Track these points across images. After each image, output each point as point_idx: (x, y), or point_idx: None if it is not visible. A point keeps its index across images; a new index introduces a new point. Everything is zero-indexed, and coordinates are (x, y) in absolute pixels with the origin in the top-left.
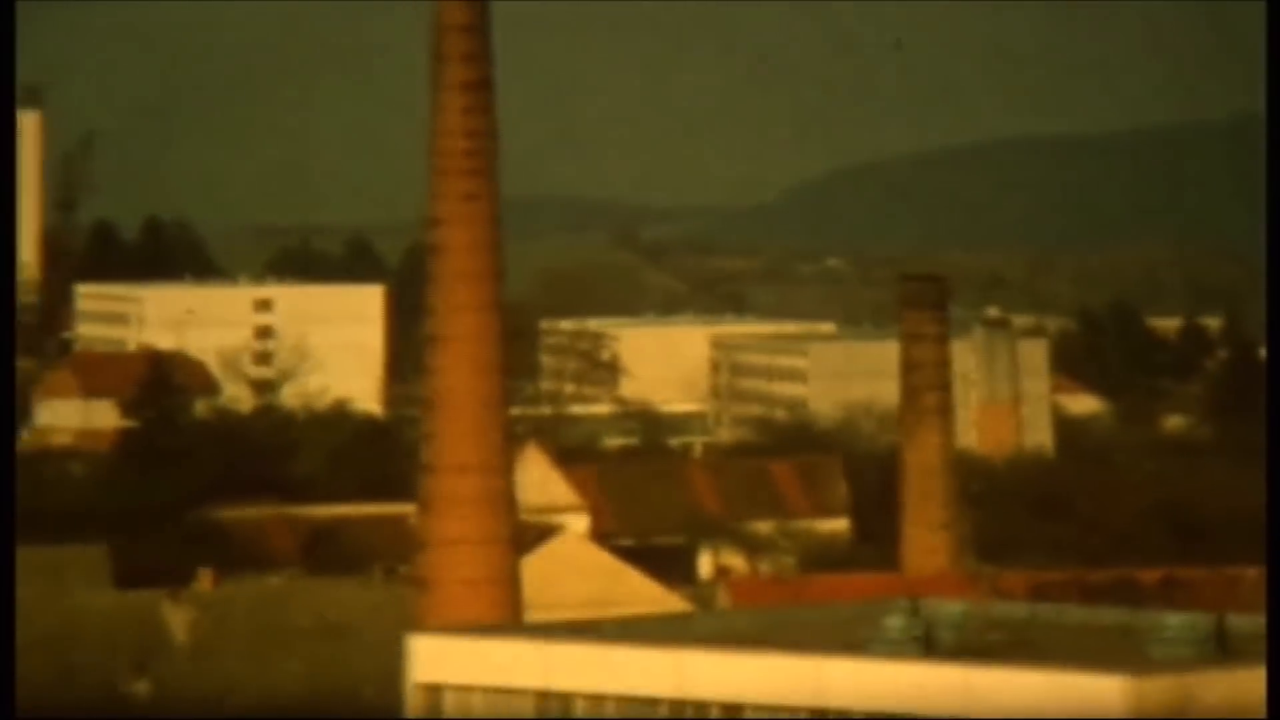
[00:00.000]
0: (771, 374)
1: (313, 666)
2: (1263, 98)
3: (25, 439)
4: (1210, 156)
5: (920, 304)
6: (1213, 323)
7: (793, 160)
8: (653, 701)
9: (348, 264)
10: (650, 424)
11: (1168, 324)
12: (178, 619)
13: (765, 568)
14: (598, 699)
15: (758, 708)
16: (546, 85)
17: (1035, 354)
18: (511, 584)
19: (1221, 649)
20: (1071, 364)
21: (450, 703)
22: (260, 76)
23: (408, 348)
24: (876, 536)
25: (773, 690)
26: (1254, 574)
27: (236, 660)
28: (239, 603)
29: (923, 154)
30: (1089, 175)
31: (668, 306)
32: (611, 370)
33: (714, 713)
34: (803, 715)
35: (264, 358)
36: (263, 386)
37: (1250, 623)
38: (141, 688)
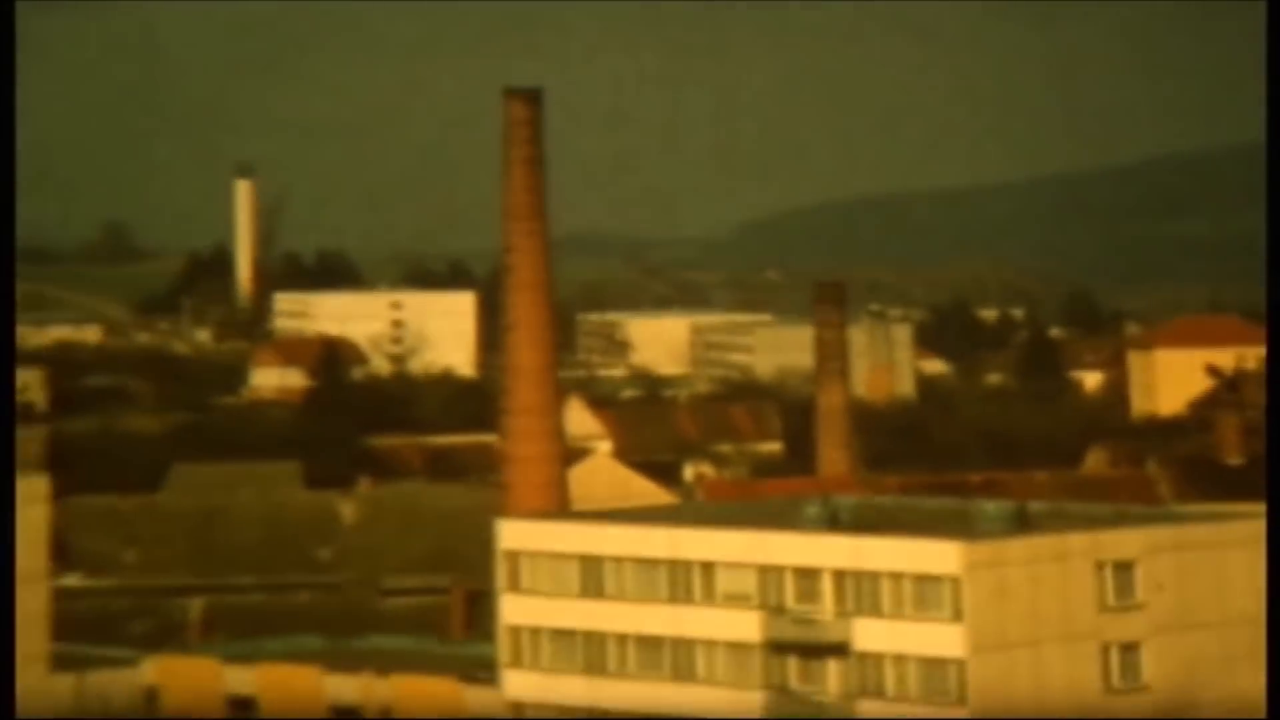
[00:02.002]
0: (731, 348)
1: (437, 542)
2: (1261, 113)
3: (243, 394)
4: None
5: (828, 302)
6: (1017, 313)
7: (746, 201)
8: (655, 562)
9: (452, 278)
10: (650, 382)
11: (988, 314)
12: (346, 510)
13: (727, 475)
14: (619, 560)
15: (725, 564)
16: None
17: (902, 334)
18: (562, 487)
19: (1022, 525)
20: (926, 341)
21: (524, 564)
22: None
23: (491, 333)
24: (800, 454)
25: (734, 553)
26: (1043, 476)
27: (384, 537)
28: (386, 500)
29: (837, 201)
30: (949, 221)
31: (661, 305)
32: (624, 347)
33: (695, 570)
34: (753, 570)
35: (397, 340)
36: (397, 359)
37: (1040, 507)
38: (324, 553)
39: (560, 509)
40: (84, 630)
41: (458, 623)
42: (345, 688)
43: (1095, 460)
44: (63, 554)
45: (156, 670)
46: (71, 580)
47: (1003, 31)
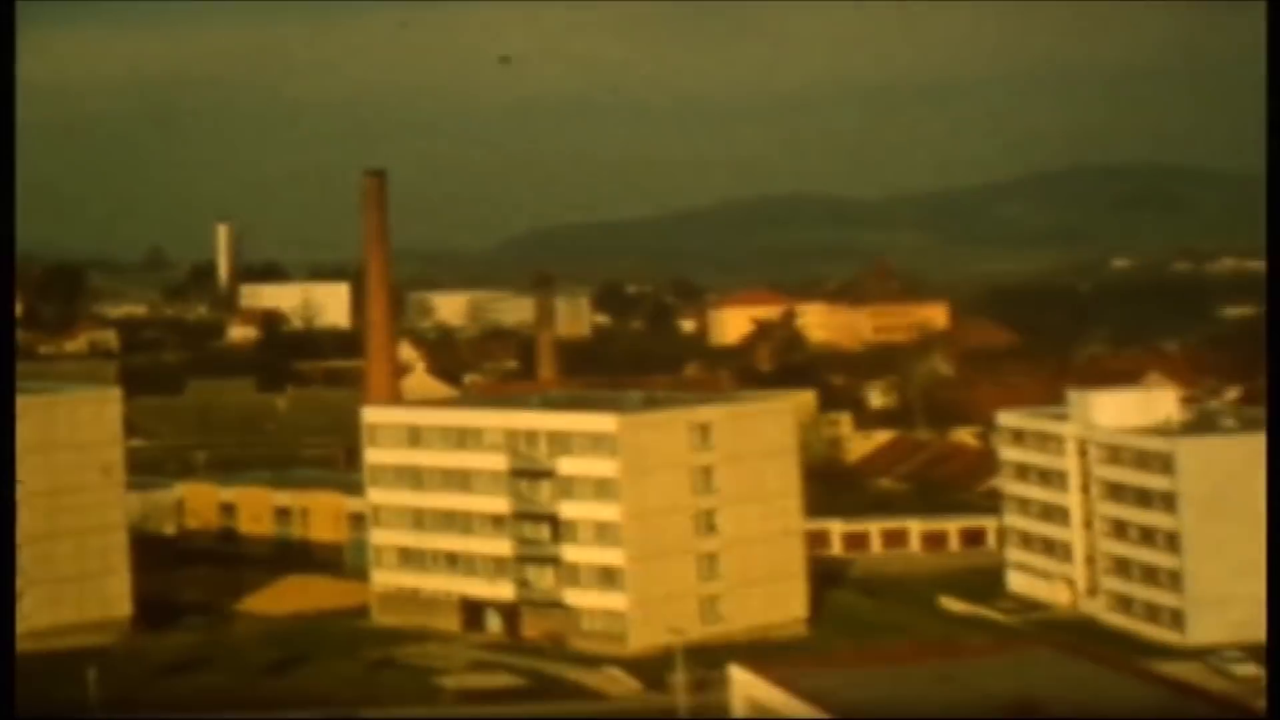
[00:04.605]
0: (490, 311)
1: (331, 420)
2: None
3: (224, 342)
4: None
5: (543, 284)
6: (648, 289)
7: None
8: (448, 428)
9: (335, 273)
10: (445, 330)
11: (634, 289)
12: (281, 404)
13: (487, 380)
14: (429, 427)
15: (487, 428)
16: None
17: (584, 301)
18: (397, 389)
19: (650, 404)
20: (599, 304)
21: (377, 431)
22: None
23: (357, 304)
24: (528, 369)
25: (492, 422)
26: (662, 379)
27: (302, 418)
28: (303, 398)
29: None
30: (611, 241)
31: (452, 288)
32: (431, 311)
33: (471, 432)
34: (502, 431)
35: (306, 310)
36: (306, 320)
37: (660, 395)
38: (269, 427)
39: (396, 401)
40: (142, 468)
41: (342, 463)
42: (282, 498)
43: (691, 370)
44: (129, 428)
45: (182, 491)
46: (135, 442)
47: None
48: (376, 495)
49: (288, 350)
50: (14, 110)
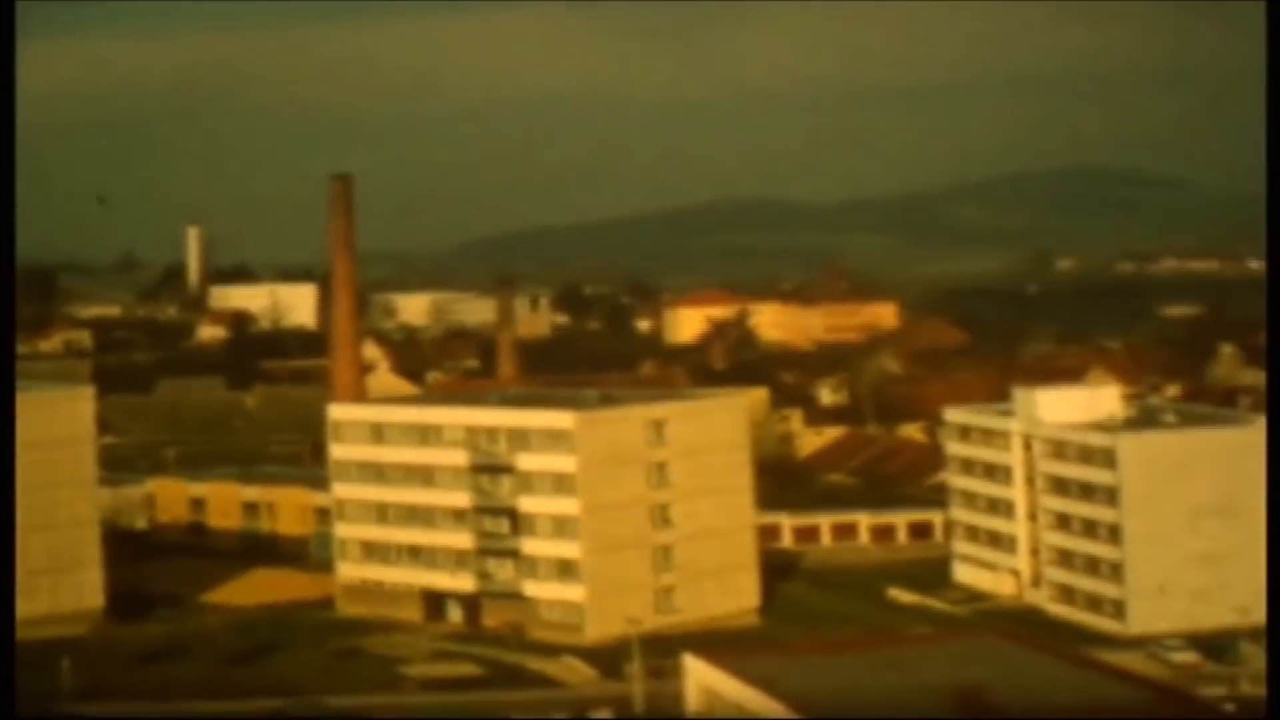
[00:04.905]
0: (452, 312)
1: (298, 417)
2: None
3: (194, 342)
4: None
5: (505, 284)
6: (605, 290)
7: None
8: (410, 424)
9: (303, 275)
10: (408, 330)
11: (591, 290)
12: (250, 401)
13: (450, 378)
14: (392, 424)
15: (449, 425)
16: None
17: (544, 302)
18: (362, 388)
19: (607, 402)
20: (558, 305)
21: (342, 428)
22: None
23: (324, 306)
24: (489, 367)
25: (453, 419)
26: (618, 377)
27: (270, 415)
28: (270, 396)
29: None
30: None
31: (413, 289)
32: (394, 312)
33: (433, 428)
34: (463, 429)
35: (274, 311)
36: (274, 321)
37: (617, 393)
38: (238, 424)
39: (360, 399)
40: (114, 465)
41: (308, 459)
42: (250, 493)
43: (646, 369)
44: (102, 426)
45: (152, 486)
46: (108, 439)
47: None
48: (341, 490)
49: (256, 350)
50: (14, 110)
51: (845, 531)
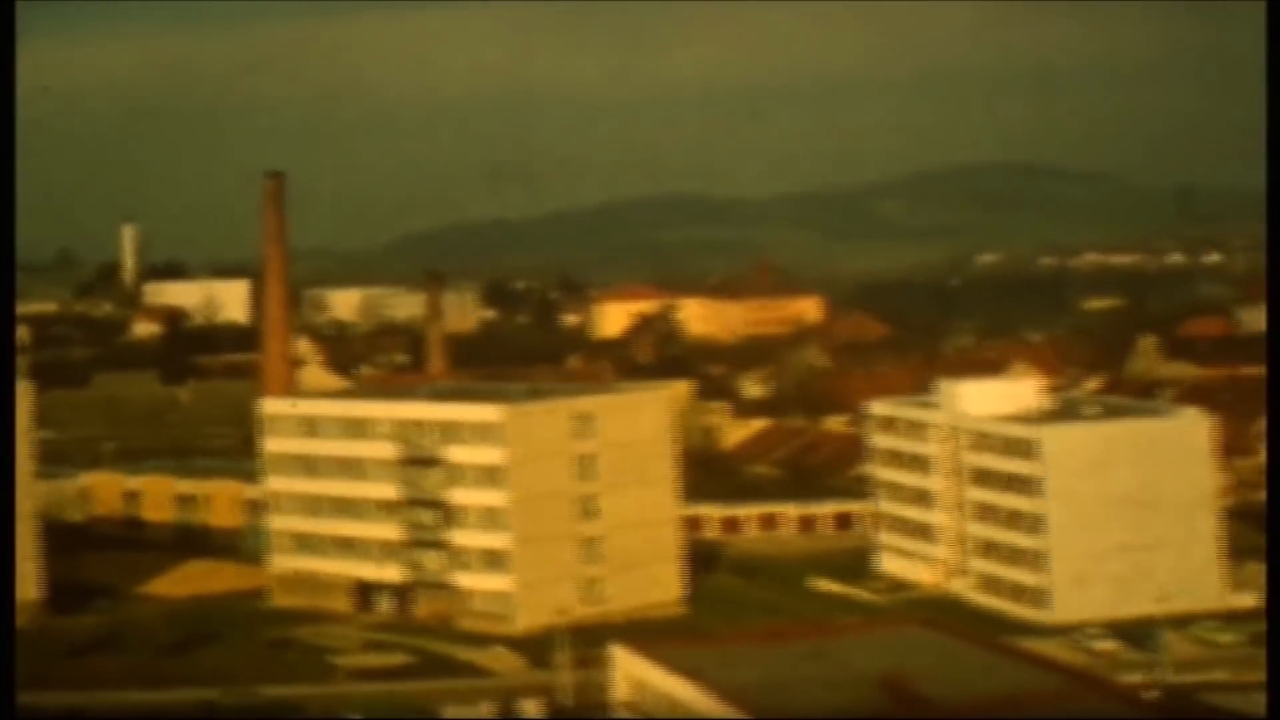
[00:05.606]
0: (383, 307)
1: (231, 412)
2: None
3: (129, 337)
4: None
5: (434, 280)
6: (535, 284)
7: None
8: (338, 417)
9: (237, 271)
10: (340, 326)
11: (520, 284)
12: (184, 396)
13: (380, 372)
14: (324, 418)
15: (378, 419)
16: None
17: (471, 297)
18: (293, 382)
19: (534, 395)
20: (486, 300)
21: (274, 421)
22: None
23: (256, 301)
24: (419, 362)
25: (383, 413)
26: (546, 369)
27: (203, 409)
28: (204, 390)
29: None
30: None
31: (345, 284)
32: (326, 308)
33: (364, 422)
34: (392, 422)
35: (207, 306)
36: (207, 317)
37: (544, 386)
38: (173, 418)
39: (292, 393)
40: (51, 459)
41: (241, 451)
42: (184, 486)
43: (573, 362)
44: (39, 421)
45: (89, 480)
46: (45, 434)
47: None
48: (274, 483)
49: (190, 345)
50: (14, 110)
51: (770, 522)
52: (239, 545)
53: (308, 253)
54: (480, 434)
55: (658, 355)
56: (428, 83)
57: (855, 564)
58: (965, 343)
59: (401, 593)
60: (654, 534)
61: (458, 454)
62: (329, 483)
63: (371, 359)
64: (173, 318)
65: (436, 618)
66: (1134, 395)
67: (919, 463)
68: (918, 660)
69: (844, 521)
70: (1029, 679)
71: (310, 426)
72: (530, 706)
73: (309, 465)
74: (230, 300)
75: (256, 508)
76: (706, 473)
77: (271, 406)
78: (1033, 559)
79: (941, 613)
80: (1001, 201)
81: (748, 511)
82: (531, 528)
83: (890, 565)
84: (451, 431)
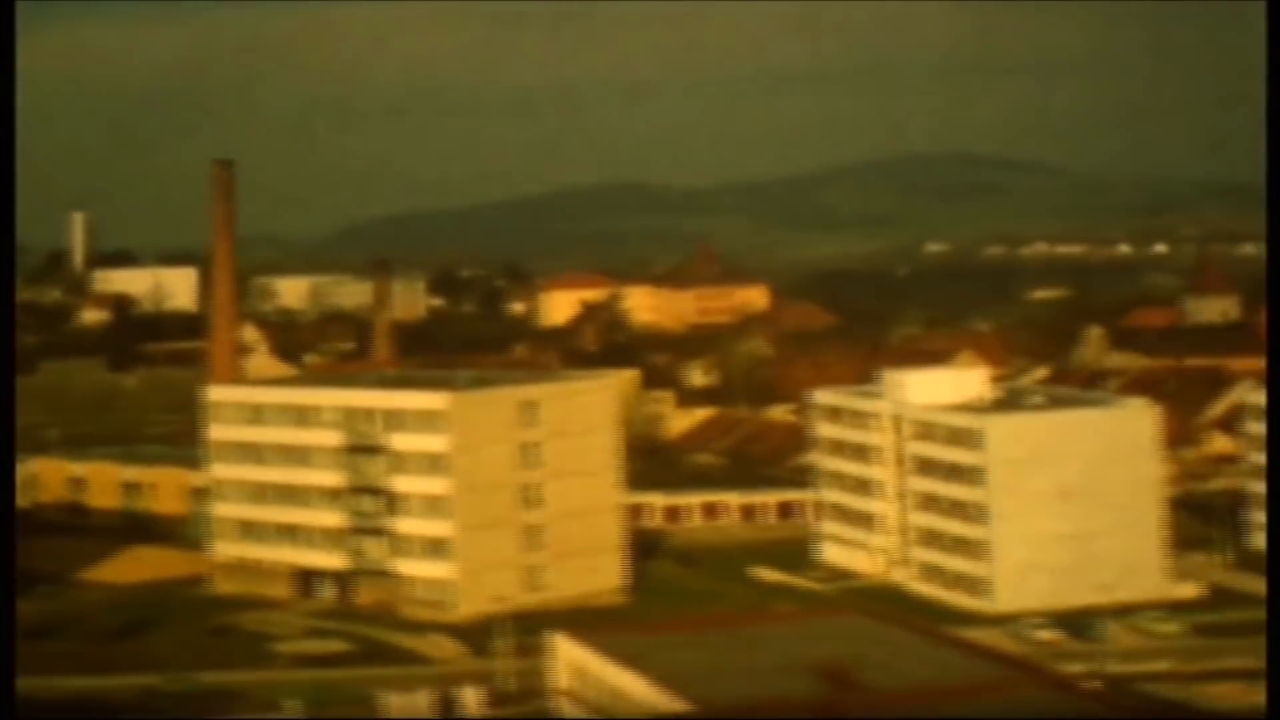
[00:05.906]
0: (330, 295)
1: (177, 399)
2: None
3: (76, 324)
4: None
5: (380, 268)
6: (481, 273)
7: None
8: (285, 405)
9: (185, 258)
10: (287, 313)
11: (467, 273)
12: (130, 383)
13: (326, 360)
14: (270, 405)
15: (325, 406)
16: None
17: (420, 286)
18: (239, 369)
19: (480, 383)
20: (434, 289)
21: (219, 408)
22: None
23: (204, 289)
24: (365, 349)
25: (329, 400)
26: (492, 358)
27: (149, 397)
28: (150, 378)
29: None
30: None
31: (293, 273)
32: (274, 296)
33: (310, 409)
34: (339, 410)
35: (155, 294)
36: (155, 304)
37: (490, 374)
38: (119, 405)
39: (238, 380)
40: None
41: (187, 438)
42: (129, 473)
43: (519, 351)
44: None
45: (34, 467)
46: None
47: None
48: (218, 470)
49: (137, 333)
50: (14, 110)
51: (713, 511)
52: (184, 532)
53: (256, 240)
54: (425, 422)
55: (604, 344)
56: (371, 73)
57: (797, 553)
58: (912, 332)
59: (343, 580)
60: (596, 522)
61: (402, 442)
62: (274, 470)
63: (318, 347)
64: (120, 305)
65: (378, 605)
66: (1080, 385)
67: (862, 452)
68: (855, 648)
69: (786, 510)
70: (965, 667)
71: (255, 413)
72: (470, 694)
73: (254, 453)
74: (178, 288)
75: (202, 495)
76: (651, 461)
77: (217, 393)
78: (975, 548)
79: (882, 602)
80: (949, 191)
81: (690, 500)
82: (474, 516)
83: (832, 554)
84: (396, 419)
